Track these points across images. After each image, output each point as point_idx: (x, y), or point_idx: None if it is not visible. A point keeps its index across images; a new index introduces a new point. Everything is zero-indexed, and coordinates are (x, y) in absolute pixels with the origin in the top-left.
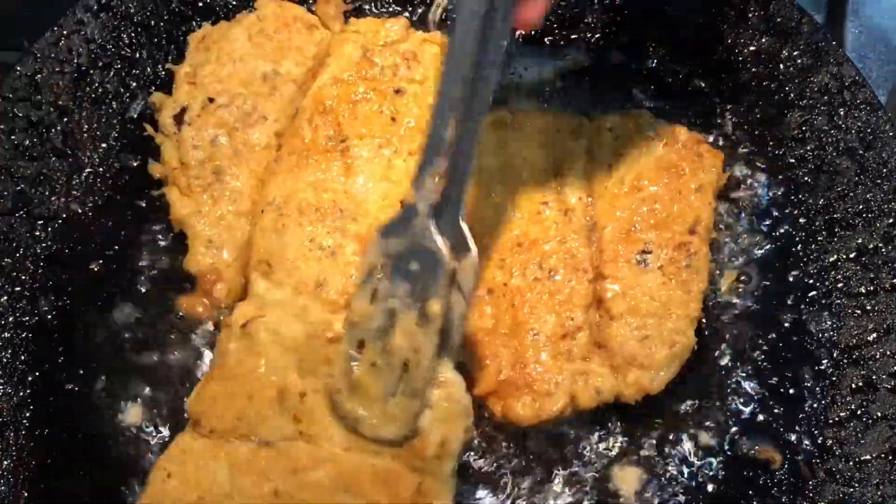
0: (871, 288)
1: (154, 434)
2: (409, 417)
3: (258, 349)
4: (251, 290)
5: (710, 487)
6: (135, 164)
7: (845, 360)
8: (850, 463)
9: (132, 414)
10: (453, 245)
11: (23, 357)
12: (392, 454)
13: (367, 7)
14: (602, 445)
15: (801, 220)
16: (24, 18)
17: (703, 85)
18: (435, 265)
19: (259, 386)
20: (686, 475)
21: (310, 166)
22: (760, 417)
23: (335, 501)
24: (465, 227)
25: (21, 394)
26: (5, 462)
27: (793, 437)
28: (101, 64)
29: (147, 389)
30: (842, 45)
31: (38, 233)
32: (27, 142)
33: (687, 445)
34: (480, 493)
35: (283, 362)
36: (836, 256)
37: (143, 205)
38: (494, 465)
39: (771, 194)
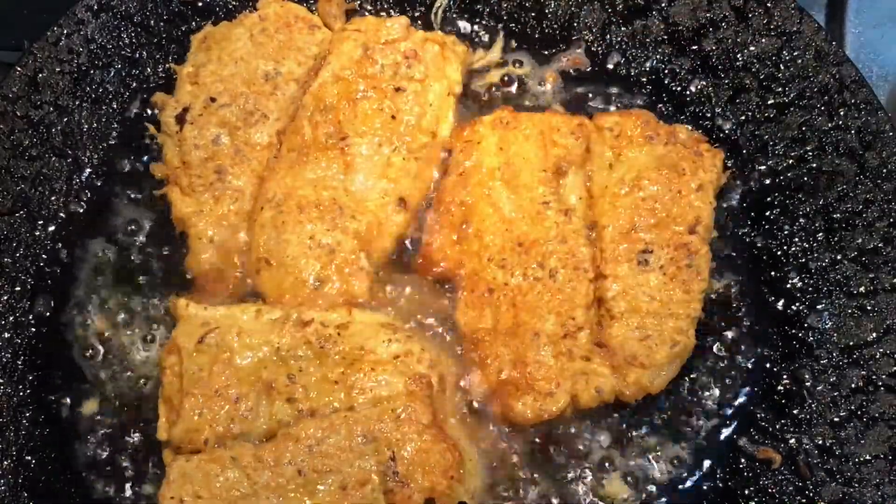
0: (871, 288)
1: (154, 435)
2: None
3: (226, 356)
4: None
5: (709, 487)
6: (135, 164)
7: (845, 360)
8: (850, 463)
9: (133, 411)
10: None
11: (23, 357)
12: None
13: (368, 7)
14: (601, 444)
15: (801, 220)
16: (24, 18)
17: (703, 85)
18: None
19: (244, 387)
20: (686, 475)
21: (310, 163)
22: (760, 417)
23: (363, 454)
24: None
25: (21, 394)
26: (5, 462)
27: (793, 437)
28: (101, 64)
29: (148, 387)
30: (842, 45)
31: (38, 233)
32: (27, 142)
33: (686, 445)
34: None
35: (259, 357)
36: (836, 256)
37: (144, 204)
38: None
39: (771, 194)
